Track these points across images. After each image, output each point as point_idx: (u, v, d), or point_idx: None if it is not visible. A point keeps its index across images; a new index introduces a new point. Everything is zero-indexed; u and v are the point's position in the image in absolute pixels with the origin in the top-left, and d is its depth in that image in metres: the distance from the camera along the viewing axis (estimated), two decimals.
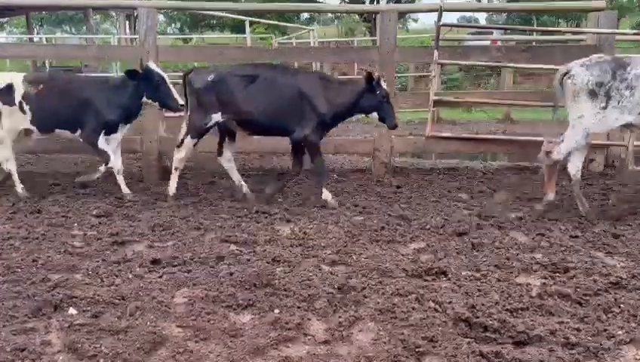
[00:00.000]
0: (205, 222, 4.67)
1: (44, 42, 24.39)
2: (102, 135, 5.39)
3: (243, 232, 4.42)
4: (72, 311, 3.07)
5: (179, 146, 5.33)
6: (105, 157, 5.40)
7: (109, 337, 2.79)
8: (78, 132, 5.45)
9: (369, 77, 5.11)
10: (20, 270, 3.61)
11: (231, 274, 3.53)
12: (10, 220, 4.76)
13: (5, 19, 30.19)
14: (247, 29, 13.45)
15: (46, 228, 4.49)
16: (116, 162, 5.51)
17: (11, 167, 5.55)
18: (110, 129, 5.45)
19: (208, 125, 5.26)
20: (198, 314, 3.03)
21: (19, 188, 5.53)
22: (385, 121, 5.29)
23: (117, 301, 3.17)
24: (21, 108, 5.39)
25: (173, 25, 40.15)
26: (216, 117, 5.21)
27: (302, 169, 5.52)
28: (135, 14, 13.37)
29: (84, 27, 26.00)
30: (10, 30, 38.87)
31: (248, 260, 3.80)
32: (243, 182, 5.52)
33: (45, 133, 5.57)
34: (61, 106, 5.39)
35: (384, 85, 5.22)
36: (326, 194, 5.23)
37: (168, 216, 4.83)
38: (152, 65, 5.44)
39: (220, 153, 5.50)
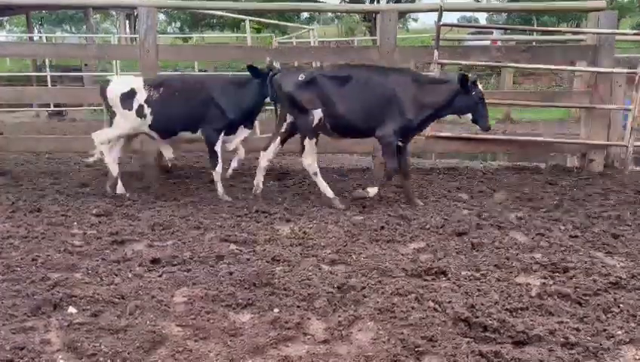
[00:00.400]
0: (205, 221, 4.67)
1: (44, 41, 24.43)
2: (221, 137, 5.41)
3: (243, 232, 4.42)
4: (71, 309, 3.07)
5: (301, 153, 5.25)
6: (214, 162, 5.43)
7: (109, 336, 2.79)
8: (199, 132, 5.45)
9: (464, 79, 5.05)
10: (19, 269, 3.61)
11: (230, 273, 3.54)
12: (9, 219, 4.75)
13: (5, 18, 30.19)
14: (248, 28, 13.45)
15: (46, 227, 4.49)
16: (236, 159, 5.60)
17: (104, 149, 5.47)
18: (230, 129, 5.46)
19: (315, 123, 5.15)
20: (197, 314, 3.03)
21: (113, 169, 5.50)
22: (478, 123, 5.23)
23: (116, 300, 3.17)
24: (140, 113, 5.35)
25: (173, 24, 40.18)
26: (318, 113, 5.12)
27: (407, 166, 5.50)
28: (135, 13, 13.36)
29: (84, 26, 26.01)
30: (11, 29, 38.90)
31: (248, 259, 3.80)
32: (260, 186, 5.46)
33: (167, 137, 5.52)
34: (185, 108, 5.36)
35: (480, 86, 5.18)
36: (373, 191, 5.15)
37: (168, 216, 4.83)
38: (279, 65, 5.39)
39: (265, 148, 5.43)
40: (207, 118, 5.38)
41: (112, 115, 5.47)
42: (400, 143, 5.24)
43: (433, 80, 5.52)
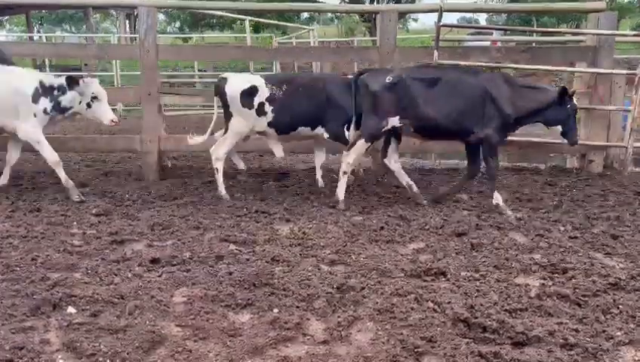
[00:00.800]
0: (205, 221, 4.67)
1: (44, 41, 24.42)
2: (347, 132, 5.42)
3: (242, 232, 4.42)
4: (71, 309, 3.08)
5: (348, 149, 5.20)
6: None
7: (108, 336, 2.79)
8: (317, 129, 5.47)
9: (563, 91, 4.95)
10: (19, 268, 3.61)
11: (230, 273, 3.54)
12: (9, 219, 4.75)
13: (5, 18, 30.20)
14: (247, 28, 13.46)
15: (45, 227, 4.49)
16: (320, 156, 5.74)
17: (219, 166, 5.48)
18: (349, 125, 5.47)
19: (384, 129, 5.10)
20: (197, 314, 3.03)
21: (222, 190, 5.48)
22: (567, 137, 5.13)
23: (116, 300, 3.18)
24: (260, 111, 5.34)
25: (173, 24, 40.19)
26: (394, 121, 5.03)
27: (479, 169, 5.43)
28: (135, 13, 13.35)
29: (84, 26, 26.04)
30: (10, 29, 38.89)
31: (247, 260, 3.80)
32: (412, 182, 5.42)
33: (284, 134, 5.53)
34: (306, 105, 5.37)
35: (575, 100, 5.09)
36: (497, 197, 5.06)
37: (167, 216, 4.83)
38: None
39: (384, 155, 5.38)
40: (329, 116, 5.40)
41: (227, 115, 5.43)
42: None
43: (529, 85, 5.47)
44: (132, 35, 22.63)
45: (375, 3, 30.87)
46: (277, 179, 6.37)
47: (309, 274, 3.54)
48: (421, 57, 6.90)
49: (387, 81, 5.03)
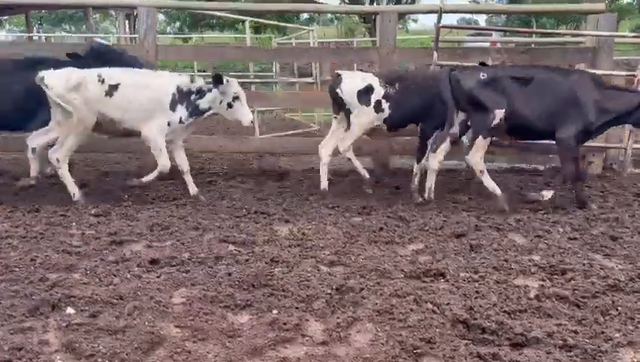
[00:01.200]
0: (204, 222, 4.67)
1: (44, 41, 24.42)
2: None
3: (241, 232, 4.42)
4: (69, 310, 3.08)
5: (470, 146, 5.20)
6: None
7: (107, 337, 2.79)
8: (419, 126, 5.52)
9: None
10: (17, 269, 3.61)
11: (229, 274, 3.54)
12: (8, 219, 4.74)
13: (5, 18, 30.18)
14: (247, 29, 13.44)
15: (44, 227, 4.48)
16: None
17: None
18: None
19: (494, 123, 5.07)
20: (196, 315, 3.03)
21: (324, 182, 5.59)
22: None
23: (115, 300, 3.17)
24: (378, 108, 5.42)
25: (172, 24, 40.19)
26: (500, 113, 5.03)
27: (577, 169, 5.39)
28: (135, 13, 13.35)
29: (84, 26, 26.03)
30: (10, 29, 38.85)
31: (247, 260, 3.80)
32: (432, 189, 5.43)
33: (394, 130, 5.65)
34: (419, 102, 5.42)
35: None
36: (548, 194, 5.12)
37: (167, 216, 4.83)
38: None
39: (434, 151, 5.38)
40: (432, 114, 5.41)
41: (346, 113, 5.50)
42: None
43: (618, 87, 5.46)
44: (132, 35, 22.61)
45: (375, 4, 30.90)
46: (277, 179, 6.37)
47: (309, 275, 3.55)
48: (421, 58, 6.91)
49: (481, 77, 5.07)
